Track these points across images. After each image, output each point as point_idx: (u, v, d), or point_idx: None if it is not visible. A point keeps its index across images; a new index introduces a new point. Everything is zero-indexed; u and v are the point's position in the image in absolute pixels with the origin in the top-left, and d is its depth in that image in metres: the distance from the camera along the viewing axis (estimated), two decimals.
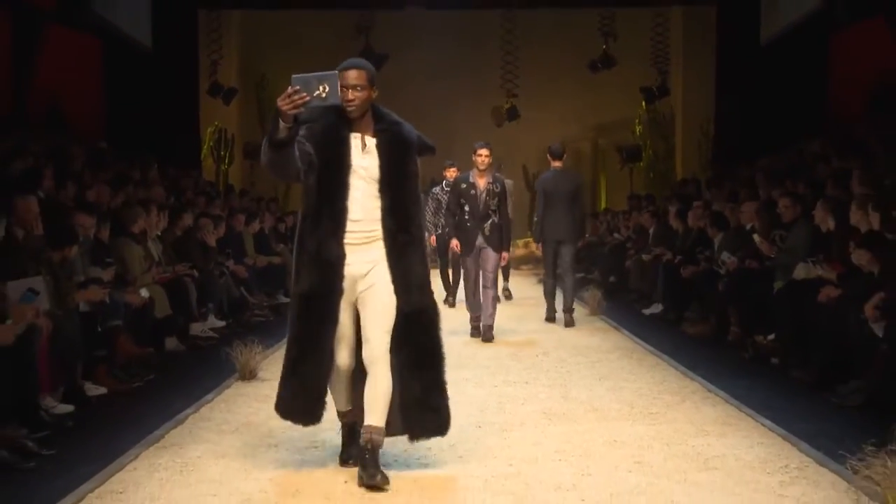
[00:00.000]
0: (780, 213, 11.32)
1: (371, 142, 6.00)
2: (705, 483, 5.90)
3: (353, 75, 5.92)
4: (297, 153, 5.70)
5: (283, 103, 5.44)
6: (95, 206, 10.64)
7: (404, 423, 6.09)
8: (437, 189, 15.56)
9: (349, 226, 5.92)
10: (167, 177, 16.32)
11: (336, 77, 5.62)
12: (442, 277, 15.64)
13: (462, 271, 12.67)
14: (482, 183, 11.73)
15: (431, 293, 6.14)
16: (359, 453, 5.91)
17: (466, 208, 11.73)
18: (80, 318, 8.53)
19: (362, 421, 5.96)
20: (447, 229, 13.13)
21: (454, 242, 12.10)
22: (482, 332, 11.87)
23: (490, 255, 11.75)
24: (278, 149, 5.58)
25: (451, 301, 15.26)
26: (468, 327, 12.17)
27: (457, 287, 15.04)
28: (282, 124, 5.48)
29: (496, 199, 11.76)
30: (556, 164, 13.43)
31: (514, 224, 12.90)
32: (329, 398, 6.17)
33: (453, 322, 12.73)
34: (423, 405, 6.07)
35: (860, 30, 16.51)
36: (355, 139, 5.97)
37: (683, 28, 24.01)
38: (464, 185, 11.81)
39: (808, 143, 16.18)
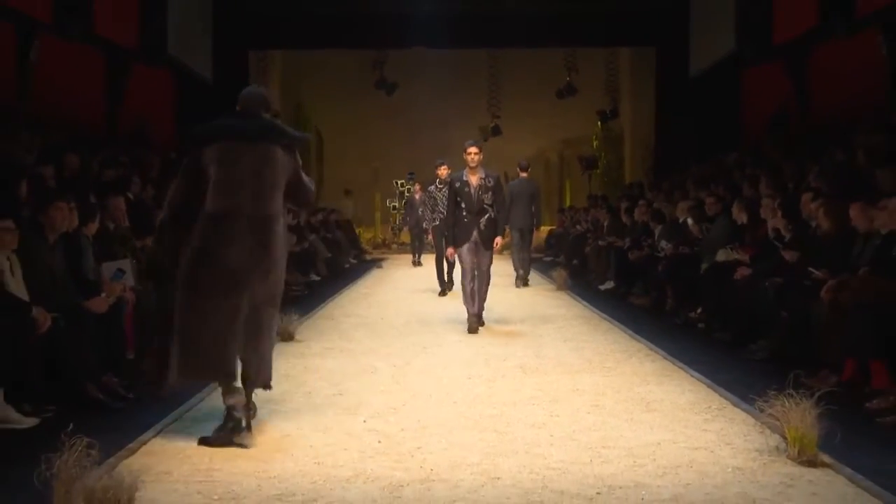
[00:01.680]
0: (707, 209, 11.35)
1: None
2: (647, 421, 5.93)
3: None
4: None
5: None
6: None
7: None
8: (432, 187, 13.88)
9: None
10: None
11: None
12: (437, 269, 13.96)
13: (459, 267, 10.61)
14: (474, 179, 10.06)
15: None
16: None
17: (462, 205, 10.05)
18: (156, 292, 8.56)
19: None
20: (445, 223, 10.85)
21: (450, 251, 10.29)
22: (473, 319, 10.04)
23: (485, 252, 10.06)
24: None
25: (446, 290, 13.67)
26: (462, 311, 10.38)
27: (451, 272, 13.54)
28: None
29: (489, 192, 10.06)
30: (523, 174, 14.64)
31: None
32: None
33: (448, 308, 12.74)
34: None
35: (764, 68, 16.58)
36: None
37: (630, 64, 24.06)
38: (458, 184, 10.13)
39: (726, 154, 16.21)
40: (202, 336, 5.27)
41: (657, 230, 12.87)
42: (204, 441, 5.38)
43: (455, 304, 11.73)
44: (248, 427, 5.42)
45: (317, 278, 15.11)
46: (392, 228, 26.11)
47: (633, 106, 23.91)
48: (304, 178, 5.77)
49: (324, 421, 5.94)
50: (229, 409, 5.42)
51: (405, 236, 23.11)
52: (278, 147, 5.52)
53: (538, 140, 27.41)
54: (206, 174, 5.35)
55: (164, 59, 16.30)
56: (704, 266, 10.43)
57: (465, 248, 10.04)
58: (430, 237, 14.71)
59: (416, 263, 19.05)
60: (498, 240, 10.11)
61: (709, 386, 6.98)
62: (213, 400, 6.54)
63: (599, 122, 25.62)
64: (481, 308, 10.21)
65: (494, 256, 10.28)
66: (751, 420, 5.84)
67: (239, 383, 5.44)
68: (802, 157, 12.22)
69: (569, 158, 27.19)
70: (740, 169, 13.88)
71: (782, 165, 12.15)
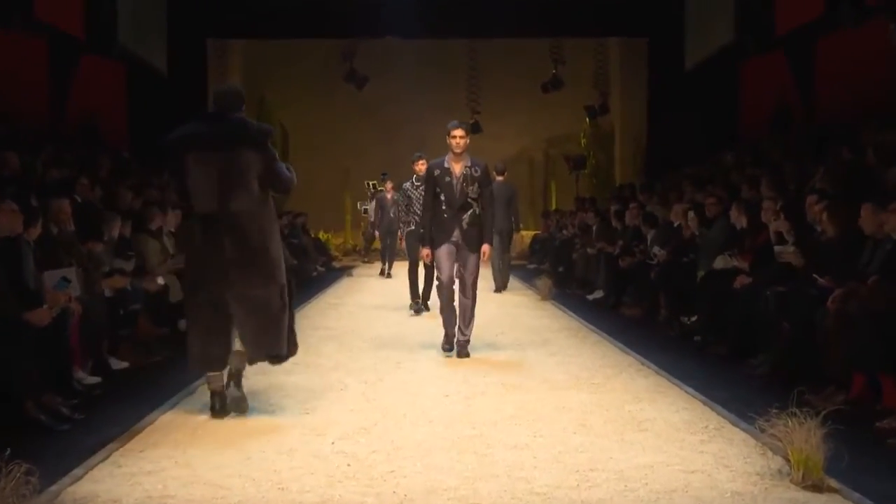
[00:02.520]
0: (706, 210, 11.35)
1: None
2: (638, 442, 5.92)
3: None
4: None
5: None
6: (119, 207, 10.60)
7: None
8: (407, 184, 12.71)
9: None
10: None
11: None
12: (410, 281, 13.06)
13: (435, 274, 9.49)
14: (458, 168, 8.99)
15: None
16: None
17: (442, 198, 9.01)
18: (105, 303, 8.49)
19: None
20: (418, 226, 10.17)
21: (425, 252, 9.22)
22: (457, 347, 9.17)
23: (469, 257, 9.00)
24: None
25: (419, 306, 12.78)
26: (436, 333, 9.71)
27: (428, 290, 12.49)
28: None
29: (476, 184, 8.98)
30: (499, 178, 15.01)
31: None
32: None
33: (424, 321, 12.69)
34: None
35: (764, 60, 16.66)
36: None
37: (620, 56, 24.06)
38: (437, 172, 9.05)
39: (724, 154, 16.28)
40: (197, 332, 6.57)
41: (650, 235, 12.90)
42: None
43: (432, 315, 11.71)
44: (216, 409, 6.63)
45: None
46: (363, 234, 26.02)
47: (624, 101, 23.95)
48: (279, 167, 6.64)
49: (288, 442, 5.91)
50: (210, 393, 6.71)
51: (377, 243, 22.92)
52: (245, 149, 6.45)
53: (521, 138, 27.44)
54: (187, 179, 6.49)
55: (115, 48, 16.21)
56: (700, 273, 10.46)
57: (444, 250, 9.04)
58: (401, 243, 13.29)
59: (386, 275, 18.30)
60: (485, 248, 9.08)
61: (705, 403, 6.99)
62: (164, 421, 6.52)
63: (588, 119, 25.65)
64: (468, 334, 9.20)
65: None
66: (751, 441, 5.84)
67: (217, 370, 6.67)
68: (806, 156, 12.28)
69: (554, 158, 27.22)
70: (739, 169, 13.94)
71: (784, 165, 12.20)
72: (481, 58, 26.04)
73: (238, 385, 6.71)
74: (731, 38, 16.73)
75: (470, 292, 9.09)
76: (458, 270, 9.14)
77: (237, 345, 6.59)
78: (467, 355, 9.11)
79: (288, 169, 6.77)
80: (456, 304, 9.22)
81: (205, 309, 6.51)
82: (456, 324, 9.23)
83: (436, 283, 9.54)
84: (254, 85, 25.06)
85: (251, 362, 6.78)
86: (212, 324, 6.52)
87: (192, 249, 6.66)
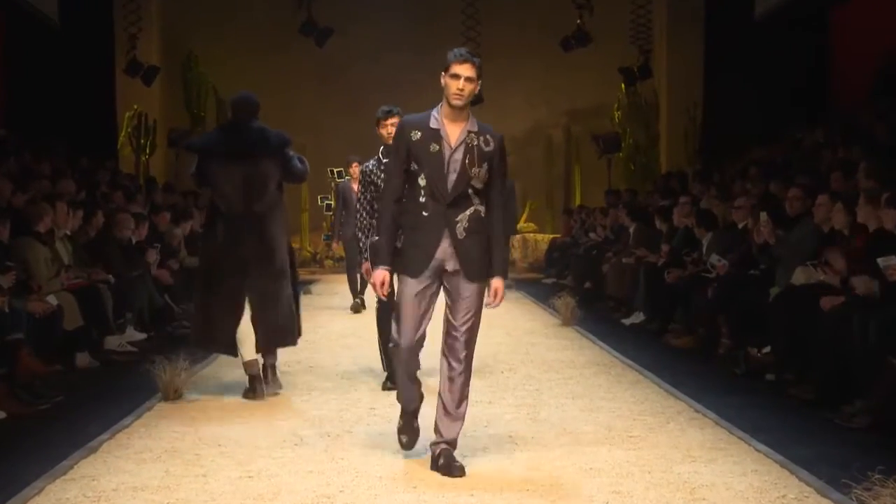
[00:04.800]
0: (787, 206, 11.27)
1: None
2: None
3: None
4: None
5: None
6: None
7: None
8: (370, 164, 9.80)
9: None
10: (79, 168, 16.20)
11: None
12: (379, 329, 10.17)
13: (392, 330, 7.09)
14: (456, 132, 6.86)
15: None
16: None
17: (422, 182, 6.76)
18: None
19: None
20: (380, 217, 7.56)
21: (379, 276, 6.84)
22: (438, 456, 6.93)
23: (466, 292, 6.81)
24: None
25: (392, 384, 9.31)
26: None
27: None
28: None
29: (485, 164, 6.77)
30: None
31: None
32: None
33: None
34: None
35: (865, 4, 16.61)
36: None
37: (669, 0, 24.03)
38: (417, 136, 6.82)
39: (807, 130, 16.27)
40: (212, 315, 9.28)
41: (705, 239, 12.90)
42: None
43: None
44: (254, 390, 9.24)
45: None
46: (325, 238, 25.95)
47: (673, 61, 23.96)
48: (294, 165, 9.42)
49: None
50: (248, 376, 9.41)
51: (341, 249, 22.56)
52: (265, 159, 9.22)
53: (535, 111, 27.44)
54: (209, 179, 9.35)
55: None
56: (775, 290, 10.45)
57: (411, 287, 6.81)
58: (365, 266, 9.74)
59: (358, 307, 16.44)
60: (498, 285, 6.86)
61: (782, 465, 6.98)
62: (55, 492, 6.50)
63: (623, 85, 25.66)
64: (457, 430, 7.06)
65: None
66: None
67: (249, 356, 9.33)
68: None
69: (579, 137, 27.22)
70: (830, 150, 13.94)
71: (891, 144, 12.20)
72: (481, 4, 26.03)
73: (274, 375, 9.60)
74: None
75: (462, 354, 6.95)
76: (446, 315, 6.99)
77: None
78: (457, 471, 6.79)
79: (301, 161, 9.51)
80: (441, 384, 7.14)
81: (221, 298, 9.21)
82: (420, 403, 7.34)
83: (391, 344, 7.29)
84: (178, 39, 25.07)
85: (258, 349, 9.33)
86: (224, 312, 9.23)
87: (214, 245, 9.30)
